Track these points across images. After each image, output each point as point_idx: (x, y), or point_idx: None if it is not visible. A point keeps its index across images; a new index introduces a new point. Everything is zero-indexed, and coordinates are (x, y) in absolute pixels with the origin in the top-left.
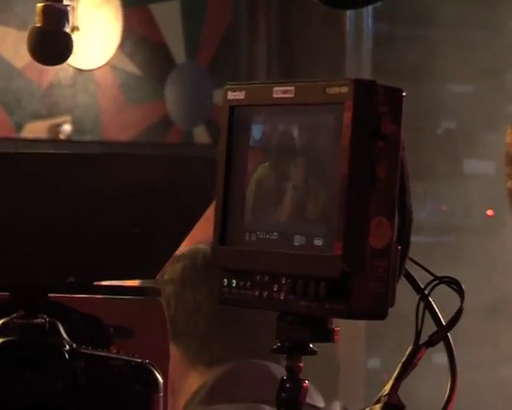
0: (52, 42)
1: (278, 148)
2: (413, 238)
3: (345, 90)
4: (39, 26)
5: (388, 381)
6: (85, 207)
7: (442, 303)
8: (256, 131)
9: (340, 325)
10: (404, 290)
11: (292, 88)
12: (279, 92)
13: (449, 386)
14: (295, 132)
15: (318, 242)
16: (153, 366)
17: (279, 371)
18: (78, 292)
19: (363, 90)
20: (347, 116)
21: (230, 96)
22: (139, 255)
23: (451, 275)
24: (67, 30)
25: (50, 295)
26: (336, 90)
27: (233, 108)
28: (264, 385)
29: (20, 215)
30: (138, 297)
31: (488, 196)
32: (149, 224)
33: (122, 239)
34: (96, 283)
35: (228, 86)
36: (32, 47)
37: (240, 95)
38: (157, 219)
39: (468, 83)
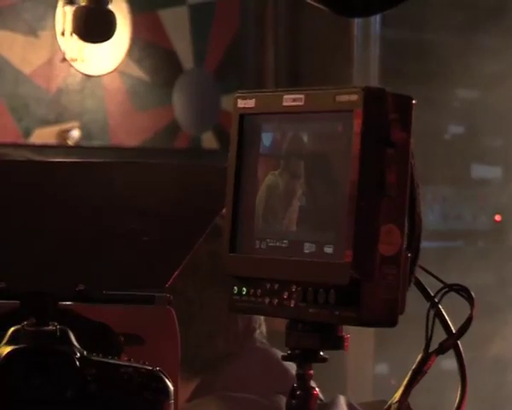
0: (96, 19)
1: (288, 155)
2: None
3: (354, 97)
4: (84, 6)
5: (398, 388)
6: (95, 215)
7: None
8: (266, 139)
9: (348, 331)
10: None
11: (302, 96)
12: (289, 100)
13: (459, 393)
14: (305, 140)
15: (328, 249)
16: (163, 374)
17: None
18: (87, 301)
19: (373, 97)
20: (357, 124)
21: (240, 104)
22: (149, 264)
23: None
24: (110, 7)
25: (61, 303)
26: (346, 97)
27: (243, 116)
28: (276, 375)
29: (31, 224)
30: (149, 305)
31: (496, 201)
32: (159, 232)
33: (132, 248)
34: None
35: (238, 94)
36: (77, 25)
37: (250, 103)
38: (167, 227)
39: (475, 88)
